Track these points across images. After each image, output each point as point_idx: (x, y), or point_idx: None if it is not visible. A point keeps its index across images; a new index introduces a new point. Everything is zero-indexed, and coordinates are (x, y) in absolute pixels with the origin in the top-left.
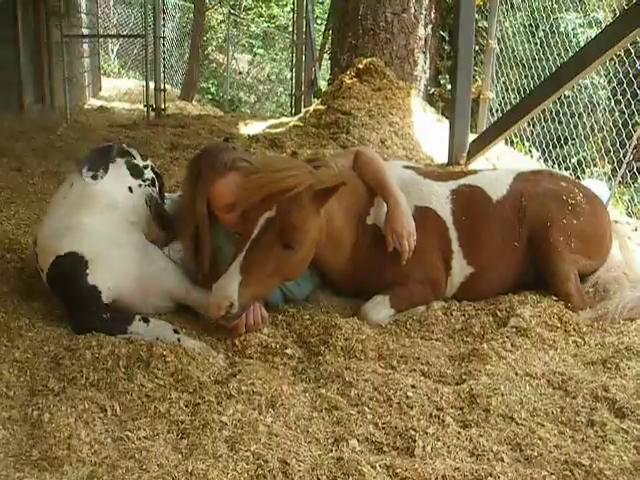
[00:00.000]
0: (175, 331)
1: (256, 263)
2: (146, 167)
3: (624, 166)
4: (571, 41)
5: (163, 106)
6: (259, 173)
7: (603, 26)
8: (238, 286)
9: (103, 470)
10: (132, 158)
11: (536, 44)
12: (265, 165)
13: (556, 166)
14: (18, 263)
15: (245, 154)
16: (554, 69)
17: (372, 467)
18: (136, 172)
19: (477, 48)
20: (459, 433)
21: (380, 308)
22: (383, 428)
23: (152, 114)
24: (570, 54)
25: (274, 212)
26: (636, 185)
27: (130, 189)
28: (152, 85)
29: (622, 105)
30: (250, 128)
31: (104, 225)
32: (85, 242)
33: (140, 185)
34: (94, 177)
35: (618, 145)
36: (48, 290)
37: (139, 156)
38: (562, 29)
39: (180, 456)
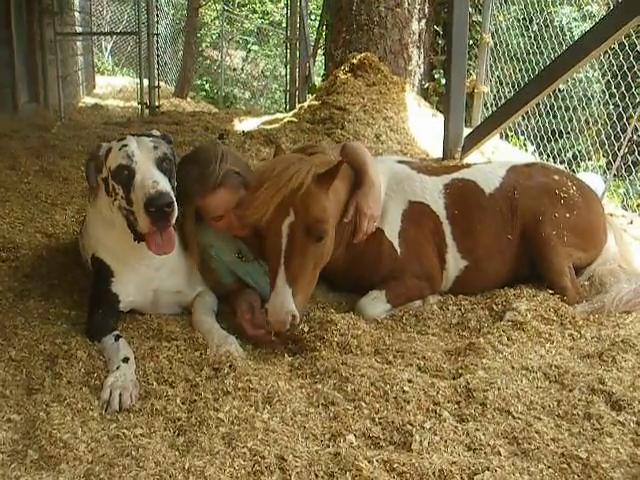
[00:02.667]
0: (124, 360)
1: (298, 269)
2: (107, 178)
3: (619, 159)
4: (565, 35)
5: (157, 103)
6: (264, 184)
7: (597, 19)
8: (292, 297)
9: (100, 468)
10: (99, 171)
11: (530, 38)
12: (264, 174)
13: (551, 159)
14: (13, 262)
15: (235, 158)
16: (548, 63)
17: (369, 462)
18: (106, 187)
19: (471, 42)
20: (456, 427)
21: (376, 303)
22: (380, 423)
23: (146, 111)
24: (564, 48)
25: (293, 216)
26: (631, 178)
27: (111, 209)
28: (146, 82)
29: (616, 98)
30: (245, 124)
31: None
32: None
33: (113, 202)
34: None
35: (613, 138)
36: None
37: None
38: (556, 23)
39: (177, 453)
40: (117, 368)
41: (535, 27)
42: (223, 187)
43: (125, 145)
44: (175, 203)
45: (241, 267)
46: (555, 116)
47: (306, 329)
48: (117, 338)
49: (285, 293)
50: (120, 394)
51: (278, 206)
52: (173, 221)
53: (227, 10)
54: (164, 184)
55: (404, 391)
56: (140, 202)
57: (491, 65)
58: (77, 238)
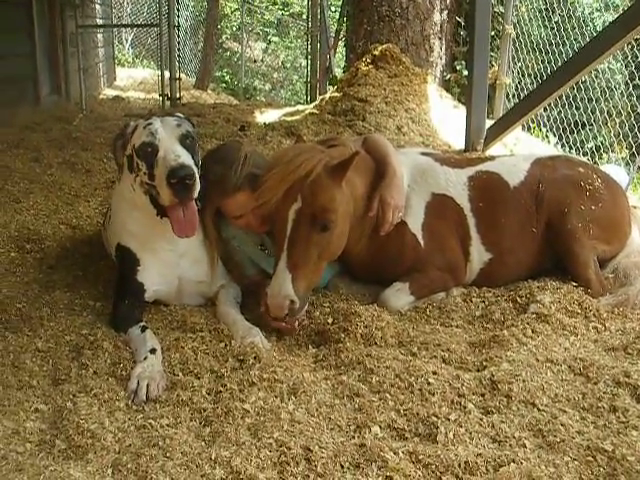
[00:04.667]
0: (151, 351)
1: (300, 256)
2: (131, 155)
3: None
4: (588, 25)
5: (178, 95)
6: (274, 169)
7: (620, 10)
8: (291, 283)
9: (127, 458)
10: (124, 149)
11: (552, 29)
12: (277, 159)
13: (573, 151)
14: (38, 253)
15: (259, 158)
16: (570, 54)
17: (395, 453)
18: (130, 164)
19: (493, 33)
20: (481, 419)
21: (400, 295)
22: (405, 415)
23: (167, 103)
24: (587, 38)
25: (300, 202)
26: None
27: (132, 187)
28: (167, 74)
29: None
30: (266, 116)
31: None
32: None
33: (135, 179)
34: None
35: (636, 130)
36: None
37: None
38: (578, 13)
39: (203, 443)
40: (144, 359)
41: (557, 18)
42: (243, 190)
43: (150, 124)
44: (197, 176)
45: (264, 259)
46: (578, 107)
47: (330, 321)
48: (143, 329)
49: (284, 278)
50: (147, 384)
51: (286, 192)
52: (195, 194)
53: (247, 2)
54: (186, 158)
55: (429, 383)
56: (163, 175)
57: (513, 56)
58: (100, 230)
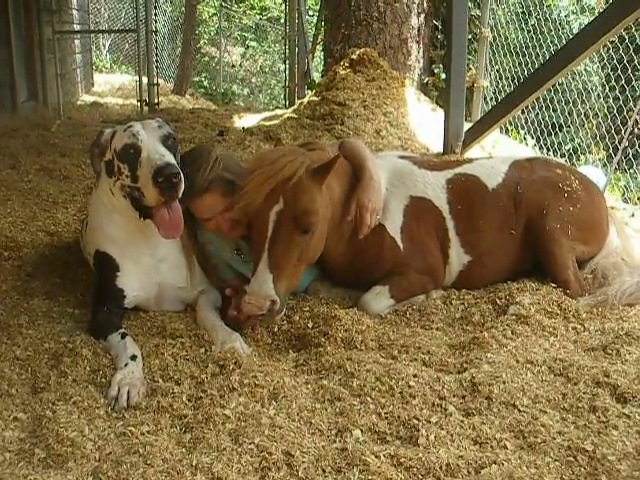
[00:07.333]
0: (132, 357)
1: (282, 257)
2: (111, 160)
3: (620, 152)
4: (564, 28)
5: (156, 100)
6: (257, 171)
7: (596, 12)
8: (273, 284)
9: (108, 466)
10: (102, 155)
11: (529, 31)
12: (259, 161)
13: (551, 153)
14: (16, 261)
15: (231, 163)
16: (547, 56)
17: (376, 457)
18: (108, 169)
19: (470, 37)
20: (462, 421)
21: (380, 298)
22: (386, 418)
23: (145, 109)
24: (563, 41)
25: (282, 204)
26: (631, 171)
27: (111, 191)
28: (145, 80)
29: (616, 91)
30: (244, 121)
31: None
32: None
33: (115, 183)
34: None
35: (613, 131)
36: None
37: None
38: (555, 16)
39: (184, 450)
40: (125, 365)
41: (534, 20)
42: (210, 192)
43: (130, 127)
44: (182, 175)
45: (240, 263)
46: (555, 110)
47: (310, 325)
48: (123, 336)
49: (266, 278)
50: (128, 391)
51: (269, 193)
52: (180, 193)
53: (225, 6)
54: (170, 157)
55: (409, 386)
56: (148, 175)
57: (490, 59)
58: (78, 238)
